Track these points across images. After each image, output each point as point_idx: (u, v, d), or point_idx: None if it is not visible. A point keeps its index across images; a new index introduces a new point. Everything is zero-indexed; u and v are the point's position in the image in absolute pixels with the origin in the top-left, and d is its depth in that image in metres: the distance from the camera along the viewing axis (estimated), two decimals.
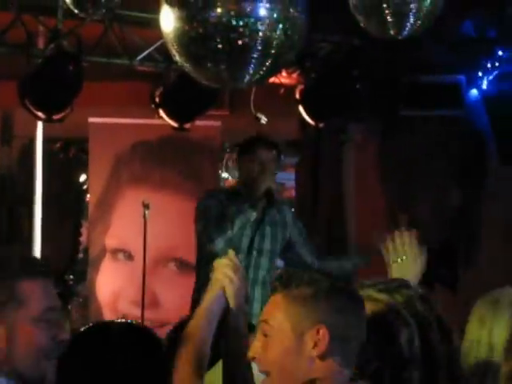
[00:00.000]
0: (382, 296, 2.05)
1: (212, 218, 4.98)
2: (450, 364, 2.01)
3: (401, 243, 2.67)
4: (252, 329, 2.51)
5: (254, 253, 5.08)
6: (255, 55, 3.42)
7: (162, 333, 6.48)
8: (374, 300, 2.03)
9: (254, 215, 4.99)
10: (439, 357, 2.00)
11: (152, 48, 5.96)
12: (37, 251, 7.23)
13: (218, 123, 7.55)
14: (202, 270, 5.13)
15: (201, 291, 5.04)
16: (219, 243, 4.92)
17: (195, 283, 5.21)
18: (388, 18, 3.69)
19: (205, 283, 5.02)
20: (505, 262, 6.94)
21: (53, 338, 2.03)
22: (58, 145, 8.20)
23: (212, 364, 2.63)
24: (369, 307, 1.99)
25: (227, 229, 4.92)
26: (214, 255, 4.93)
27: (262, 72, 3.58)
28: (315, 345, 1.90)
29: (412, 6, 3.67)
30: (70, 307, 7.92)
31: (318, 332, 1.90)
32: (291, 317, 1.93)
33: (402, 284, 2.15)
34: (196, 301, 5.14)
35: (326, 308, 1.92)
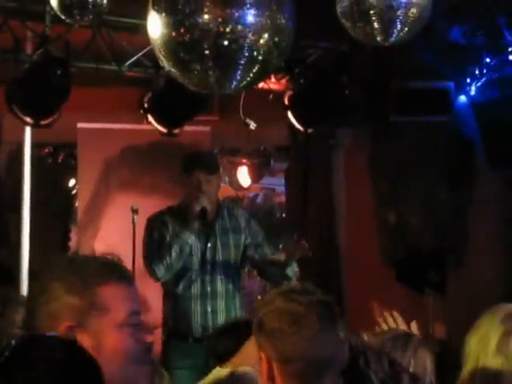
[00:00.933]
0: None
1: (151, 245, 5.13)
2: None
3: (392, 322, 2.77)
4: None
5: (208, 267, 5.16)
6: (242, 61, 3.42)
7: (151, 338, 6.46)
8: None
9: (190, 237, 5.08)
10: None
11: (141, 54, 5.95)
12: (25, 256, 7.19)
13: (207, 128, 7.54)
14: (166, 301, 5.40)
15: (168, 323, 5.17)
16: (160, 271, 5.09)
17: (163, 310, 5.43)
18: (375, 24, 3.70)
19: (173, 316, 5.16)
20: (493, 266, 6.96)
21: (139, 342, 1.94)
22: (46, 150, 8.18)
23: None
24: None
25: (164, 254, 5.05)
26: (178, 282, 5.09)
27: (249, 78, 3.57)
28: None
29: (399, 12, 3.68)
30: None
31: None
32: None
33: None
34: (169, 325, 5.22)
35: None
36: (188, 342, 5.11)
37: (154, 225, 5.22)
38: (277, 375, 2.06)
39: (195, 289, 5.16)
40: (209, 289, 5.15)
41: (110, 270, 2.00)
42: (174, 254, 5.04)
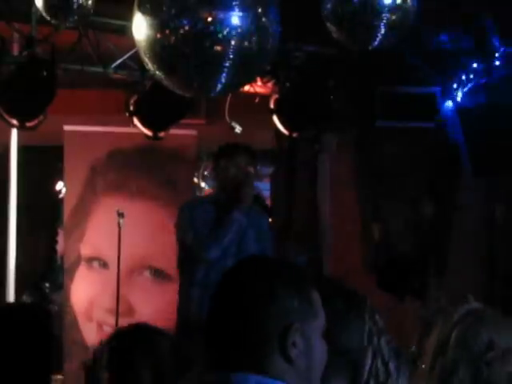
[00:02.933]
0: None
1: (201, 227, 4.94)
2: None
3: None
4: None
5: (240, 257, 5.04)
6: (227, 64, 3.43)
7: None
8: None
9: (245, 221, 4.99)
10: None
11: (127, 56, 5.94)
12: (11, 259, 7.18)
13: (194, 132, 7.55)
14: (194, 290, 5.07)
15: (186, 301, 5.04)
16: (215, 252, 4.91)
17: (181, 308, 5.15)
18: (359, 28, 3.72)
19: (190, 293, 5.02)
20: (474, 273, 6.98)
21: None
22: (33, 153, 8.16)
23: None
24: None
25: (222, 237, 4.91)
26: (209, 263, 4.94)
27: (233, 81, 3.59)
28: None
29: (383, 16, 3.70)
30: None
31: None
32: None
33: None
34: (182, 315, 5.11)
35: None
36: None
37: (195, 209, 5.06)
38: None
39: None
40: None
41: (309, 274, 1.93)
42: (229, 235, 4.91)
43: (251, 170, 5.10)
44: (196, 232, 4.96)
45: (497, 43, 6.31)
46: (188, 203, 5.23)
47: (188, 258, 5.08)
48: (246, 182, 4.99)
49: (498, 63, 6.41)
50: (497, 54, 6.38)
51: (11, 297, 7.14)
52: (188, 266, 5.09)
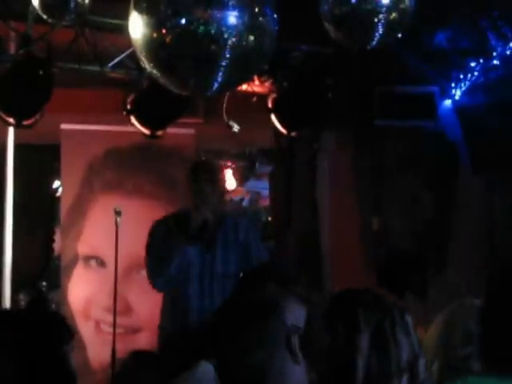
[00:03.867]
0: None
1: (153, 255, 4.97)
2: None
3: None
4: None
5: (206, 279, 4.99)
6: (223, 63, 3.41)
7: (135, 339, 6.45)
8: None
9: (191, 251, 4.93)
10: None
11: (124, 55, 5.92)
12: (8, 258, 7.17)
13: (191, 131, 7.54)
14: (166, 307, 5.13)
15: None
16: (159, 283, 4.94)
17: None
18: (357, 27, 3.71)
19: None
20: (475, 270, 6.97)
21: None
22: (30, 151, 8.15)
23: None
24: None
25: (164, 268, 4.89)
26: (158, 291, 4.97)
27: (230, 80, 3.57)
28: None
29: (381, 16, 3.68)
30: None
31: None
32: None
33: None
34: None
35: None
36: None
37: (158, 233, 5.02)
38: None
39: (193, 302, 5.03)
40: (207, 304, 5.01)
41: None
42: (173, 269, 4.88)
43: (209, 195, 4.98)
44: (148, 261, 5.00)
45: (494, 42, 6.30)
46: (154, 224, 5.13)
47: None
48: (199, 209, 4.93)
49: (495, 62, 6.40)
50: (494, 53, 6.37)
51: (7, 296, 7.13)
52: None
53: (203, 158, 8.28)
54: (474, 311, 2.48)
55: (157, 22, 3.40)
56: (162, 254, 4.93)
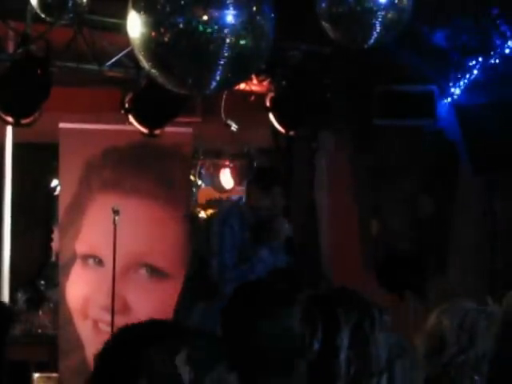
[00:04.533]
0: None
1: (228, 252, 4.89)
2: None
3: None
4: None
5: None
6: (222, 62, 3.41)
7: None
8: None
9: (270, 261, 4.94)
10: None
11: (122, 54, 5.92)
12: (6, 257, 7.16)
13: (189, 130, 7.52)
14: (190, 290, 5.07)
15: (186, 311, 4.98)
16: (230, 286, 4.76)
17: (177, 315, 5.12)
18: (354, 26, 3.70)
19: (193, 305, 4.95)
20: (473, 270, 6.97)
21: None
22: (29, 150, 8.14)
23: None
24: None
25: (247, 274, 4.78)
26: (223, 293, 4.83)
27: (228, 79, 3.57)
28: None
29: (378, 15, 3.68)
30: (40, 312, 7.89)
31: None
32: None
33: None
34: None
35: None
36: None
37: (225, 227, 4.96)
38: None
39: None
40: None
41: None
42: (252, 275, 4.76)
43: (283, 201, 5.09)
44: (222, 260, 4.90)
45: (494, 41, 6.30)
46: (219, 218, 5.07)
47: (203, 275, 5.03)
48: (279, 220, 4.98)
49: (494, 61, 6.40)
50: (493, 52, 6.37)
51: (6, 294, 7.12)
52: (199, 280, 5.07)
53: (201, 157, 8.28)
54: (463, 313, 2.48)
55: (155, 20, 3.40)
56: (241, 251, 4.90)
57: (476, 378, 2.37)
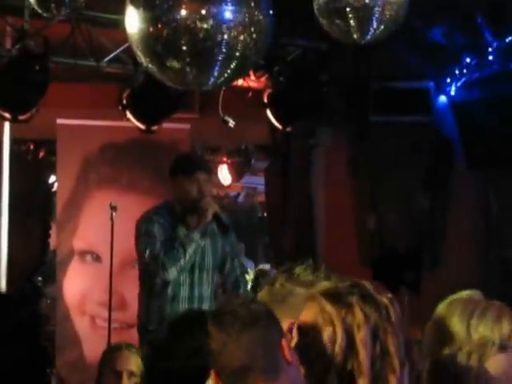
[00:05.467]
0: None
1: (158, 244, 4.99)
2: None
3: None
4: None
5: (197, 270, 5.11)
6: (220, 57, 3.42)
7: (130, 334, 6.43)
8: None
9: (203, 242, 5.04)
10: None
11: (120, 50, 5.93)
12: (4, 253, 7.17)
13: (187, 126, 7.53)
14: (152, 301, 5.15)
15: (149, 324, 5.10)
16: (172, 272, 4.96)
17: (140, 313, 5.24)
18: (351, 22, 3.72)
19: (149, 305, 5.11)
20: (469, 266, 6.99)
21: None
22: (27, 146, 8.15)
23: None
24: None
25: (179, 256, 4.94)
26: (167, 283, 5.01)
27: (226, 74, 3.58)
28: None
29: (375, 10, 3.69)
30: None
31: None
32: None
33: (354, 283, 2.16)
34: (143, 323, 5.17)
35: None
36: None
37: (153, 225, 5.07)
38: None
39: (184, 291, 5.11)
40: (196, 292, 5.11)
41: None
42: (187, 257, 4.95)
43: (209, 186, 5.12)
44: (152, 250, 5.00)
45: (490, 38, 6.31)
46: (143, 217, 5.18)
47: (146, 272, 5.17)
48: (205, 200, 5.00)
49: (491, 58, 6.41)
50: (490, 49, 6.38)
51: (3, 290, 7.12)
52: (146, 279, 5.18)
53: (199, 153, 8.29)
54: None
55: (153, 16, 3.40)
56: (172, 240, 4.97)
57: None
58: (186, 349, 2.41)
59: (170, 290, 5.06)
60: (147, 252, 5.02)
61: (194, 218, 5.03)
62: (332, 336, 2.01)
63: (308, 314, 2.06)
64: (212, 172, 5.28)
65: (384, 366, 2.01)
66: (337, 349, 1.99)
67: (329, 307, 2.04)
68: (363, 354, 2.00)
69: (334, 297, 2.07)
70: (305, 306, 2.09)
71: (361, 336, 2.01)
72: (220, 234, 5.19)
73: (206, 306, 5.07)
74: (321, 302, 2.06)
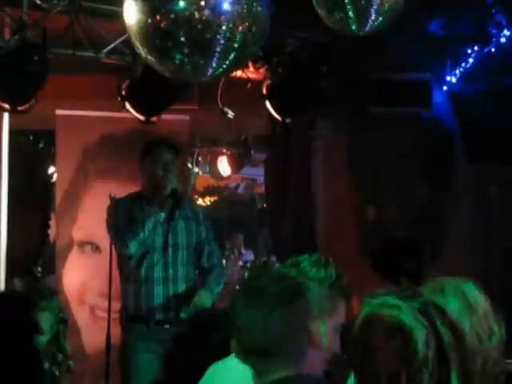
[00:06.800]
0: (399, 302, 2.06)
1: (121, 224, 5.14)
2: (461, 367, 2.03)
3: None
4: None
5: (170, 249, 5.22)
6: (218, 49, 3.42)
7: None
8: (389, 306, 2.05)
9: (162, 215, 5.17)
10: (452, 360, 2.02)
11: (119, 41, 5.92)
12: (3, 244, 7.17)
13: (186, 117, 7.54)
14: (128, 285, 5.24)
15: (129, 308, 5.19)
16: (133, 246, 5.09)
17: (121, 301, 5.30)
18: (350, 13, 3.72)
19: (126, 289, 5.23)
20: (468, 257, 7.00)
21: None
22: (26, 137, 8.16)
23: None
24: (384, 313, 2.03)
25: (138, 232, 5.07)
26: (130, 258, 5.04)
27: (225, 65, 3.58)
28: None
29: (374, 1, 3.69)
30: None
31: None
32: None
33: (416, 292, 2.15)
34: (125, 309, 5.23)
35: None
36: (149, 325, 5.12)
37: (119, 208, 5.27)
38: None
39: (157, 272, 5.20)
40: (171, 272, 5.19)
41: None
42: (146, 231, 5.09)
43: (172, 164, 5.24)
44: (117, 230, 5.17)
45: (490, 30, 6.30)
46: (113, 202, 5.35)
47: (118, 256, 5.34)
48: (164, 179, 5.17)
49: (491, 50, 6.40)
50: (489, 41, 6.37)
51: (2, 281, 7.14)
52: (121, 261, 5.32)
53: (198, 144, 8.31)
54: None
55: (151, 7, 3.40)
56: (130, 221, 5.13)
57: None
58: None
59: (143, 271, 5.16)
60: (112, 232, 5.22)
61: (154, 195, 5.20)
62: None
63: None
64: (179, 153, 5.41)
65: None
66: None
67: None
68: None
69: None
70: None
71: None
72: (193, 219, 5.32)
73: (181, 287, 5.15)
74: None
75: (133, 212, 5.19)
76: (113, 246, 6.42)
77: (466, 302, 2.52)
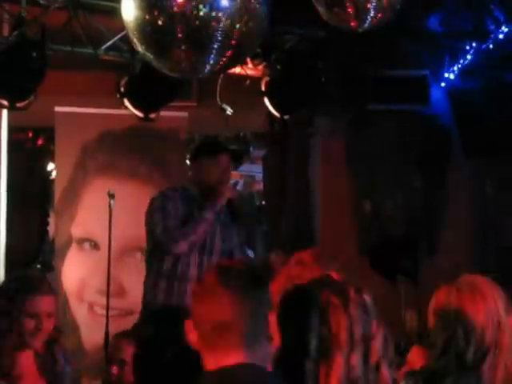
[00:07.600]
0: None
1: (170, 222, 4.98)
2: None
3: None
4: None
5: (207, 253, 5.12)
6: (216, 45, 3.42)
7: (128, 321, 6.45)
8: None
9: (214, 223, 5.04)
10: None
11: (117, 37, 5.93)
12: (2, 241, 7.18)
13: (185, 114, 7.54)
14: (160, 280, 5.09)
15: (154, 304, 5.11)
16: (183, 247, 4.95)
17: (146, 295, 5.16)
18: (349, 9, 3.72)
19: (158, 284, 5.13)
20: (465, 254, 7.01)
21: None
22: (25, 134, 8.16)
23: None
24: None
25: (190, 231, 4.94)
26: (177, 256, 5.01)
27: (222, 62, 3.58)
28: None
29: None
30: None
31: None
32: None
33: None
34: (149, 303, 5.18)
35: None
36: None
37: (168, 200, 5.06)
38: None
39: (193, 271, 5.12)
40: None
41: None
42: (198, 234, 4.96)
43: (229, 172, 5.15)
44: (165, 226, 4.99)
45: (487, 26, 6.29)
46: (160, 195, 5.17)
47: (156, 249, 5.14)
48: (222, 185, 5.02)
49: (488, 46, 6.40)
50: (487, 38, 6.37)
51: (1, 278, 7.14)
52: (156, 257, 5.15)
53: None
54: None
55: (149, 4, 3.40)
56: (185, 217, 4.98)
57: None
58: None
59: (179, 269, 5.04)
60: (160, 225, 4.98)
61: (208, 201, 5.02)
62: None
63: None
64: (241, 159, 5.31)
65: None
66: None
67: None
68: None
69: None
70: None
71: None
72: (232, 225, 5.20)
73: None
74: None
75: (184, 210, 5.02)
76: (113, 243, 6.50)
77: None
